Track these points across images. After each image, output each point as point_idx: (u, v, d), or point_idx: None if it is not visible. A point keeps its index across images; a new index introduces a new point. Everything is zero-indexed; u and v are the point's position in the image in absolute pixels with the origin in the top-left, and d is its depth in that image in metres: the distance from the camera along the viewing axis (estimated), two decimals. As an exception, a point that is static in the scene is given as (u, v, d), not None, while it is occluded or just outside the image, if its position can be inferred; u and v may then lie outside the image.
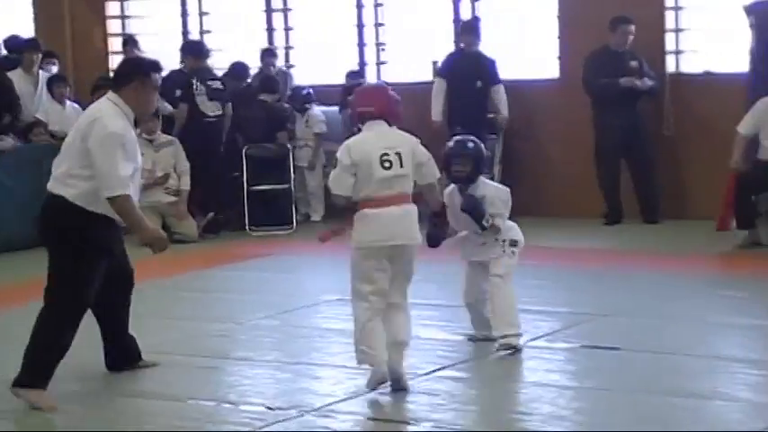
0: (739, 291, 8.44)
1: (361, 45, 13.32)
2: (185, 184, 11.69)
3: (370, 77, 13.30)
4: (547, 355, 6.81)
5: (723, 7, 11.46)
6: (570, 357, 6.85)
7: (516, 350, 6.76)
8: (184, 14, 14.27)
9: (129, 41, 13.43)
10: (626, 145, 11.42)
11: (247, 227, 12.04)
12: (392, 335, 6.23)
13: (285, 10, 13.76)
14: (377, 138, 6.21)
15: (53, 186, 6.28)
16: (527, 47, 12.39)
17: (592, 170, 11.66)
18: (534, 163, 12.10)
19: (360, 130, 6.40)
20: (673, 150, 11.64)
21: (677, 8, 11.77)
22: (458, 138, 7.13)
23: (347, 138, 6.59)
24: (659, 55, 11.73)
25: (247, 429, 5.72)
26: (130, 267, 6.73)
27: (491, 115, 11.85)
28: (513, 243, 7.03)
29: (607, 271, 9.41)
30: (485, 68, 11.82)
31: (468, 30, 12.08)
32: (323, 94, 12.97)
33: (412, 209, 6.24)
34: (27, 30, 14.44)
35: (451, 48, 12.64)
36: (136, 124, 6.49)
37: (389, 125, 6.32)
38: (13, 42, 13.36)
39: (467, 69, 11.87)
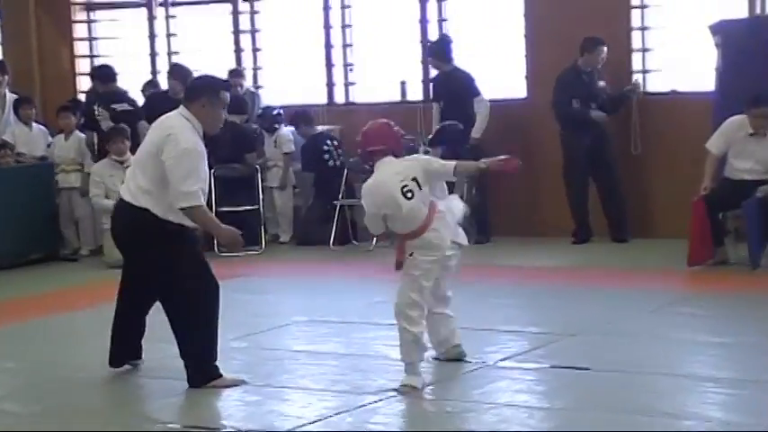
0: (706, 309, 8.49)
1: (329, 65, 13.34)
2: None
3: (339, 98, 13.33)
4: (516, 375, 6.81)
5: (688, 27, 11.54)
6: (540, 377, 6.85)
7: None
8: (152, 36, 14.26)
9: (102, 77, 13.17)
10: (593, 164, 11.48)
11: (216, 248, 11.99)
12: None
13: (253, 31, 13.77)
14: (392, 173, 6.56)
15: (138, 199, 6.58)
16: (494, 67, 12.43)
17: (560, 189, 11.70)
18: (502, 182, 12.11)
19: (371, 167, 6.70)
20: (640, 169, 11.70)
21: (643, 28, 11.85)
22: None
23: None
24: (626, 74, 11.80)
25: (217, 453, 5.69)
26: None
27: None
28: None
29: (576, 290, 9.43)
30: (459, 85, 11.79)
31: (429, 53, 12.14)
32: (291, 114, 12.96)
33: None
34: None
35: (419, 68, 12.70)
36: (204, 137, 6.71)
37: (396, 158, 6.68)
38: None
39: (442, 92, 11.88)
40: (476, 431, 5.87)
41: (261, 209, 12.30)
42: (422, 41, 12.80)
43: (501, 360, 7.06)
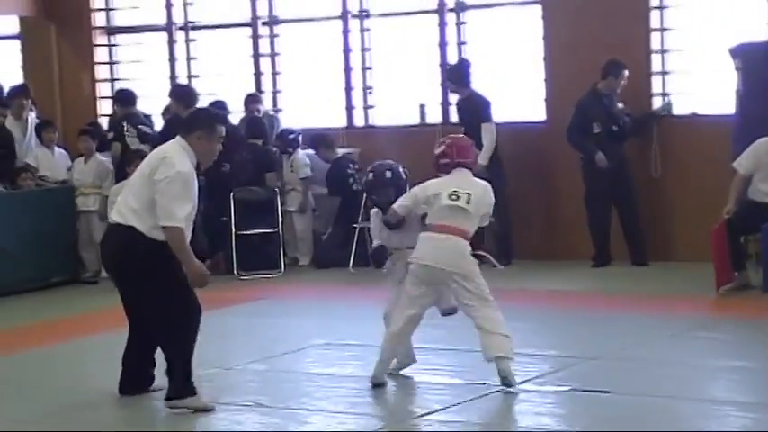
0: (727, 333, 8.46)
1: (348, 89, 13.37)
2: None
3: (358, 121, 13.36)
4: (536, 398, 6.79)
5: (708, 50, 11.53)
6: (560, 401, 6.83)
7: None
8: (172, 60, 14.32)
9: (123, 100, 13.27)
10: (614, 188, 11.44)
11: (236, 271, 12.02)
12: None
13: (273, 55, 13.81)
14: (457, 181, 7.04)
15: (126, 218, 6.73)
16: (513, 90, 12.44)
17: (579, 213, 11.68)
18: (521, 206, 12.11)
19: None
20: (660, 192, 11.68)
21: (663, 51, 11.85)
22: (376, 170, 7.58)
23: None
24: (646, 97, 11.79)
25: (236, 476, 5.68)
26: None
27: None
28: None
29: (596, 314, 9.40)
30: (474, 109, 11.80)
31: (447, 77, 12.16)
32: (311, 138, 12.99)
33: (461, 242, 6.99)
34: (15, 75, 14.46)
35: (438, 91, 12.72)
36: (197, 169, 6.86)
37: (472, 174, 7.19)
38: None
39: (464, 116, 11.91)
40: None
41: (281, 232, 12.31)
42: (441, 64, 12.82)
43: (521, 383, 7.04)
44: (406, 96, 13.03)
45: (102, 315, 10.29)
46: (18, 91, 12.83)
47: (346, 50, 13.31)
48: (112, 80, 14.61)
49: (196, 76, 14.19)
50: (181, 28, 14.23)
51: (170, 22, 14.24)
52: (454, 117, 12.42)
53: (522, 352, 7.71)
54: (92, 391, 7.29)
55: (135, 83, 14.26)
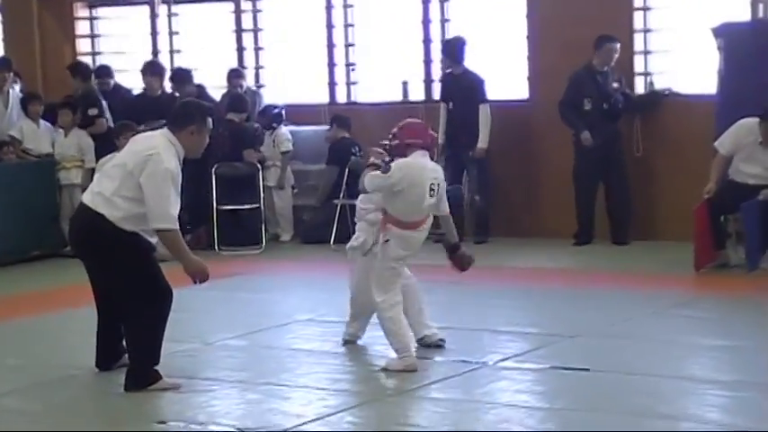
0: (707, 312, 8.50)
1: (331, 65, 13.34)
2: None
3: (341, 97, 13.33)
4: (516, 375, 6.81)
5: (691, 30, 11.54)
6: (539, 378, 6.85)
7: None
8: (154, 34, 14.25)
9: (103, 71, 13.34)
10: (605, 165, 11.45)
11: (216, 246, 12.01)
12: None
13: (255, 30, 13.76)
14: (428, 168, 6.94)
15: (96, 204, 6.57)
16: (496, 67, 12.43)
17: (561, 190, 11.70)
18: (505, 184, 12.13)
19: (391, 161, 6.96)
20: (642, 172, 11.70)
21: (646, 30, 11.85)
22: None
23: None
24: (628, 76, 11.80)
25: (216, 451, 5.69)
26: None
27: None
28: None
29: (576, 291, 9.44)
30: (469, 87, 11.79)
31: (442, 51, 12.12)
32: (294, 113, 12.98)
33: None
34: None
35: (421, 68, 12.70)
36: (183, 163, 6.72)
37: (431, 158, 7.04)
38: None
39: (448, 93, 11.89)
40: (476, 431, 5.88)
41: (262, 207, 12.29)
42: (424, 41, 12.80)
43: (501, 360, 7.07)
44: (388, 73, 13.01)
45: (82, 289, 10.18)
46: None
47: (329, 26, 13.27)
48: (94, 53, 14.55)
49: (178, 51, 14.14)
50: (163, 2, 14.15)
51: (152, -4, 14.17)
52: (437, 94, 12.42)
53: (502, 330, 7.75)
54: (69, 365, 7.28)
55: (116, 56, 14.20)
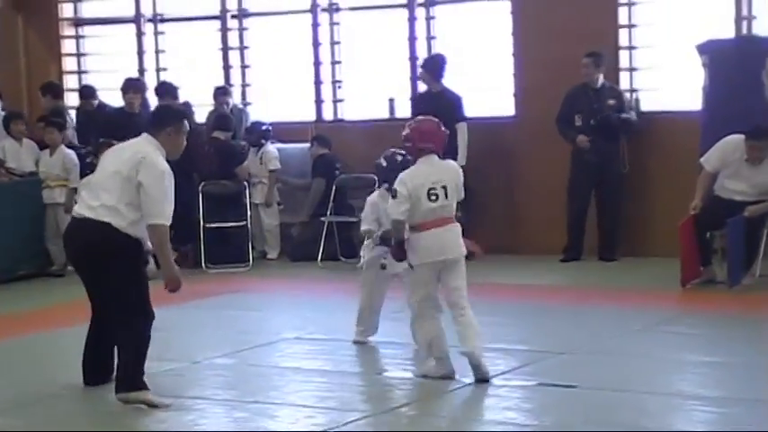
0: (694, 328, 8.52)
1: (317, 82, 13.36)
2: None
3: (327, 115, 13.35)
4: (504, 393, 6.81)
5: (676, 47, 11.59)
6: (528, 395, 6.85)
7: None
8: (140, 52, 14.26)
9: (87, 92, 13.40)
10: (595, 181, 11.48)
11: (203, 264, 12.00)
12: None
13: (242, 48, 13.79)
14: (428, 171, 6.96)
15: (100, 214, 6.72)
16: (482, 85, 12.47)
17: (548, 207, 11.73)
18: (491, 201, 12.15)
19: (410, 161, 7.11)
20: (628, 188, 11.72)
21: (631, 47, 11.90)
22: (387, 156, 7.80)
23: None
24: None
25: (204, 470, 5.67)
26: None
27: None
28: None
29: (564, 308, 9.45)
30: (446, 106, 11.82)
31: (423, 67, 12.14)
32: (280, 131, 12.99)
33: (455, 227, 7.06)
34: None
35: (408, 86, 12.72)
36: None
37: (440, 158, 7.07)
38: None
39: (426, 110, 11.87)
40: (463, 449, 5.88)
41: (248, 225, 12.29)
42: (410, 59, 12.83)
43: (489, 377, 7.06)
44: (375, 90, 13.04)
45: (68, 308, 10.24)
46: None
47: (316, 44, 13.30)
48: (80, 72, 14.54)
49: (164, 69, 14.14)
50: (149, 20, 14.17)
51: (138, 14, 14.19)
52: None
53: (491, 347, 7.72)
54: (54, 384, 7.25)
55: (102, 75, 14.20)
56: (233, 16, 13.77)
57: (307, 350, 8.14)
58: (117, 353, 6.85)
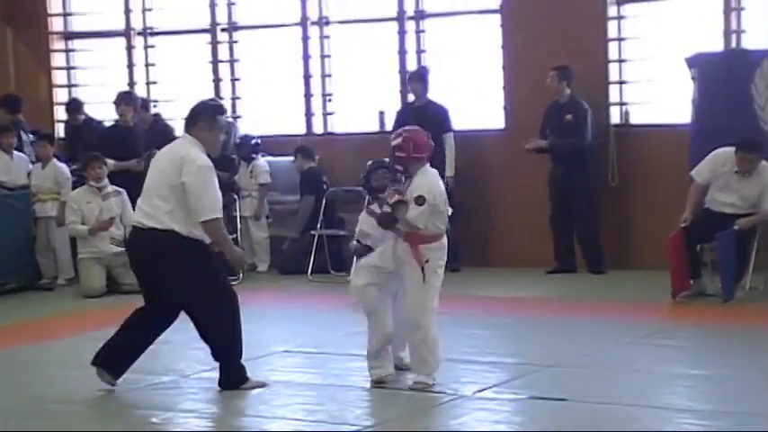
0: (683, 340, 8.52)
1: (307, 95, 13.37)
2: (132, 231, 11.59)
3: (317, 128, 13.36)
4: (494, 406, 6.80)
5: (665, 60, 11.62)
6: (517, 408, 6.85)
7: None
8: (131, 65, 14.26)
9: (73, 106, 13.41)
10: (565, 196, 11.52)
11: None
12: None
13: (232, 61, 13.80)
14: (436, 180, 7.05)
15: (161, 222, 6.90)
16: (472, 97, 12.49)
17: (536, 220, 11.74)
18: (480, 213, 12.16)
19: (404, 173, 7.01)
20: (618, 201, 11.75)
21: (621, 60, 11.93)
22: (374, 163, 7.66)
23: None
24: (603, 106, 11.87)
25: (193, 484, 5.66)
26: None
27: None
28: None
29: (553, 321, 9.45)
30: (432, 118, 11.86)
31: (412, 78, 12.16)
32: (270, 144, 13.00)
33: None
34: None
35: (397, 99, 12.74)
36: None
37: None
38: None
39: (411, 123, 11.89)
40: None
41: (238, 238, 12.28)
42: (400, 72, 12.85)
43: (478, 391, 7.06)
44: (365, 103, 13.05)
45: (57, 322, 10.24)
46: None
47: (306, 57, 13.32)
48: (70, 86, 14.53)
49: (154, 83, 14.15)
50: (139, 33, 14.18)
51: (128, 28, 14.20)
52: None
53: (480, 360, 7.74)
54: (44, 398, 7.23)
55: (92, 89, 14.20)
56: (223, 29, 13.79)
57: (296, 363, 8.13)
58: (214, 355, 7.20)
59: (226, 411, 6.90)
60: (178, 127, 12.74)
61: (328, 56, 13.27)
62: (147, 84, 14.15)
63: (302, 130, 13.38)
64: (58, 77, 14.63)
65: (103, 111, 13.42)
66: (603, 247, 11.60)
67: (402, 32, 12.85)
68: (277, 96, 13.57)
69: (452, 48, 12.68)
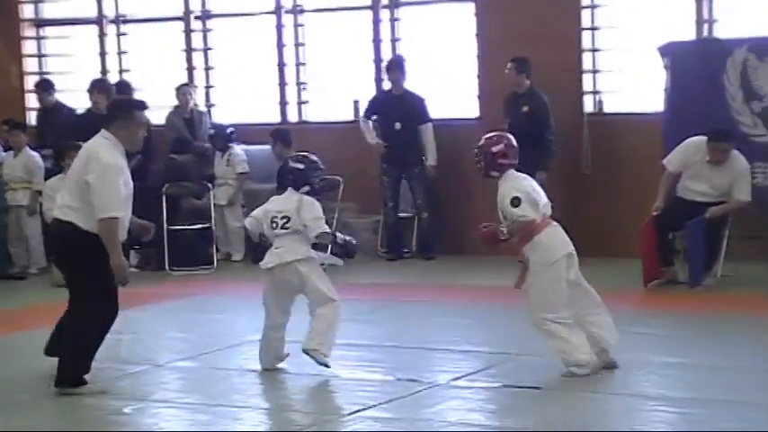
0: (656, 328, 8.56)
1: (282, 84, 13.34)
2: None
3: (292, 116, 13.33)
4: (468, 394, 6.82)
5: (638, 49, 11.65)
6: (491, 397, 6.87)
7: None
8: (103, 53, 14.18)
9: (42, 85, 13.34)
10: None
11: (167, 267, 11.94)
12: None
13: (205, 49, 13.74)
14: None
15: (62, 214, 7.02)
16: (447, 86, 12.49)
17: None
18: (457, 202, 12.16)
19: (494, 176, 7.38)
20: (591, 189, 11.78)
21: (594, 50, 11.96)
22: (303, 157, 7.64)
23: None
24: (577, 95, 11.89)
25: (167, 474, 5.65)
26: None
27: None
28: None
29: (528, 310, 9.44)
30: (410, 108, 11.88)
31: (392, 67, 12.14)
32: (245, 133, 12.96)
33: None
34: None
35: (372, 87, 12.72)
36: (127, 155, 7.17)
37: None
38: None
39: (389, 112, 11.95)
40: (427, 451, 5.88)
41: (213, 228, 12.25)
42: (375, 61, 12.84)
43: (453, 380, 7.08)
44: (339, 92, 13.03)
45: (28, 311, 10.19)
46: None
47: (280, 46, 13.28)
48: (41, 73, 14.43)
49: (127, 71, 14.08)
50: (112, 21, 14.10)
51: (101, 15, 14.11)
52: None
53: (454, 348, 7.77)
54: (16, 390, 7.20)
55: (64, 76, 14.11)
56: (196, 17, 13.73)
57: (271, 353, 8.10)
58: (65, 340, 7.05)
59: (199, 401, 6.89)
60: (148, 116, 12.72)
61: (302, 44, 13.24)
62: (120, 72, 14.07)
63: (276, 118, 13.34)
64: (30, 65, 14.53)
65: (75, 99, 13.34)
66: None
67: (377, 21, 12.83)
68: (251, 85, 13.52)
69: (427, 36, 12.67)
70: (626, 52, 11.80)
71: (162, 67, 13.86)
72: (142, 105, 7.39)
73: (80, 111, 12.97)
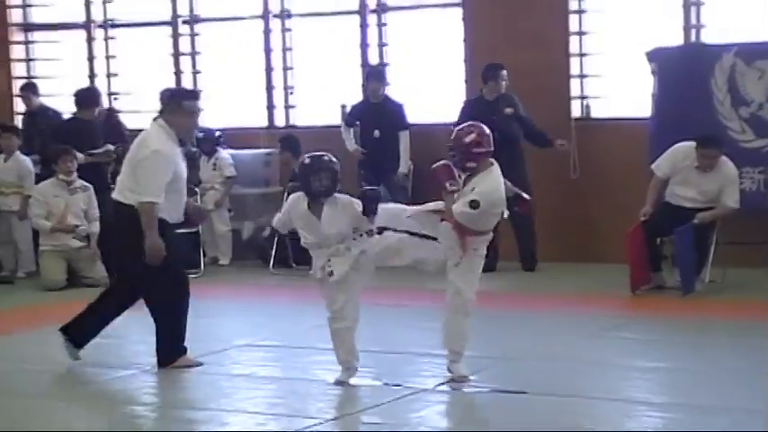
0: (643, 333, 8.58)
1: (269, 88, 13.34)
2: (96, 227, 11.52)
3: (279, 121, 13.34)
4: (455, 399, 6.82)
5: (626, 54, 11.68)
6: (478, 402, 6.87)
7: None
8: (91, 57, 14.17)
9: (28, 87, 13.32)
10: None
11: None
12: None
13: (193, 54, 13.74)
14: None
15: (124, 196, 7.37)
16: (434, 91, 12.51)
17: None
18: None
19: (471, 167, 7.07)
20: (578, 194, 11.80)
21: (582, 54, 11.98)
22: (312, 154, 7.38)
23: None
24: (564, 100, 11.92)
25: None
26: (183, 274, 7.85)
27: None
28: None
29: (513, 314, 9.48)
30: (389, 115, 11.89)
31: (372, 76, 12.16)
32: (232, 137, 12.96)
33: None
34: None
35: (359, 92, 12.73)
36: (181, 144, 7.65)
37: None
38: None
39: (368, 119, 11.97)
40: (414, 455, 5.88)
41: (199, 232, 12.23)
42: (362, 65, 12.85)
43: (439, 384, 7.08)
44: (327, 97, 13.04)
45: (16, 314, 10.17)
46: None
47: (267, 50, 13.29)
48: (29, 77, 14.41)
49: (115, 75, 14.07)
50: (100, 26, 14.09)
51: (89, 20, 14.11)
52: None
53: (440, 353, 7.73)
54: (7, 391, 7.19)
55: (52, 81, 14.09)
56: (184, 22, 13.73)
57: (258, 357, 8.12)
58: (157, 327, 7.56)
59: (186, 404, 6.89)
60: (136, 120, 12.74)
61: (290, 49, 13.25)
62: (108, 76, 14.07)
63: (264, 123, 13.35)
64: (18, 69, 14.51)
65: (63, 103, 13.31)
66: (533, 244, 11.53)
67: (364, 26, 12.85)
68: (238, 89, 13.53)
69: (414, 41, 12.69)
70: (613, 57, 11.83)
71: (150, 72, 13.85)
72: (193, 95, 7.74)
73: (66, 115, 12.93)
